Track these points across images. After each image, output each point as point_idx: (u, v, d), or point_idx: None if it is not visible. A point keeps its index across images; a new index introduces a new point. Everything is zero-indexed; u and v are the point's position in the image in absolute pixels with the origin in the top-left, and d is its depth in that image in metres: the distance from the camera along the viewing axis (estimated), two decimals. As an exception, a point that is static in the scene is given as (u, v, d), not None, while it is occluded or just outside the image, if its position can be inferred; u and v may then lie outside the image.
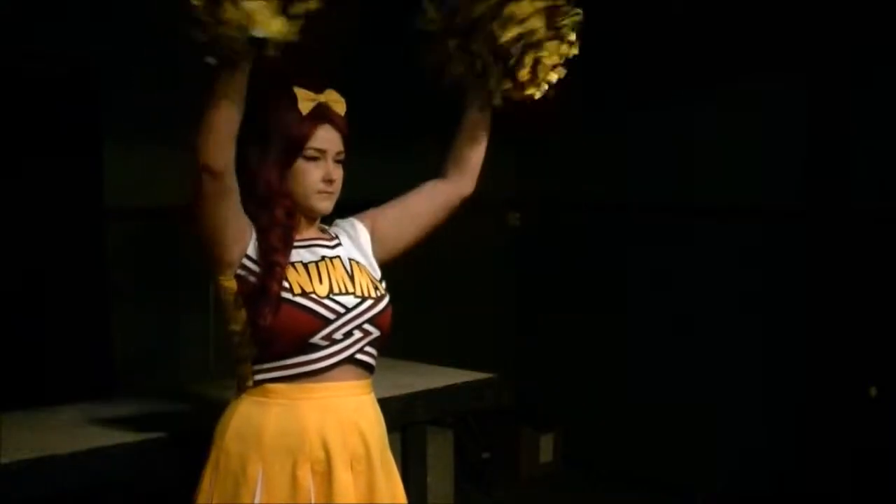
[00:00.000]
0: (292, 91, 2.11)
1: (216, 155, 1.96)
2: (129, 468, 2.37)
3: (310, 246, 2.16)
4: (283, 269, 2.06)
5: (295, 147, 2.10)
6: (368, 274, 2.21)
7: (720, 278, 4.78)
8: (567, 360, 5.41)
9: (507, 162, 5.56)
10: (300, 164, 2.11)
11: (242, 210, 2.07)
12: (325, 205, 2.16)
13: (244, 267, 2.07)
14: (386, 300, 2.18)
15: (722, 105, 4.75)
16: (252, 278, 2.06)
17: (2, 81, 3.79)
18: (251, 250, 2.08)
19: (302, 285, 2.07)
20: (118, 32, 4.03)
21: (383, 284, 2.24)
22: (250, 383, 2.10)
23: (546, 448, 5.31)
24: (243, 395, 2.12)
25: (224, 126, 1.96)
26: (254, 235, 2.09)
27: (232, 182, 2.01)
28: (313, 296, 2.07)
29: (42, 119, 3.96)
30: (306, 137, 2.10)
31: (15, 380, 3.51)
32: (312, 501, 2.05)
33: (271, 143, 2.10)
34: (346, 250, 2.21)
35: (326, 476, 2.06)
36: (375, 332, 2.15)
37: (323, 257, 2.15)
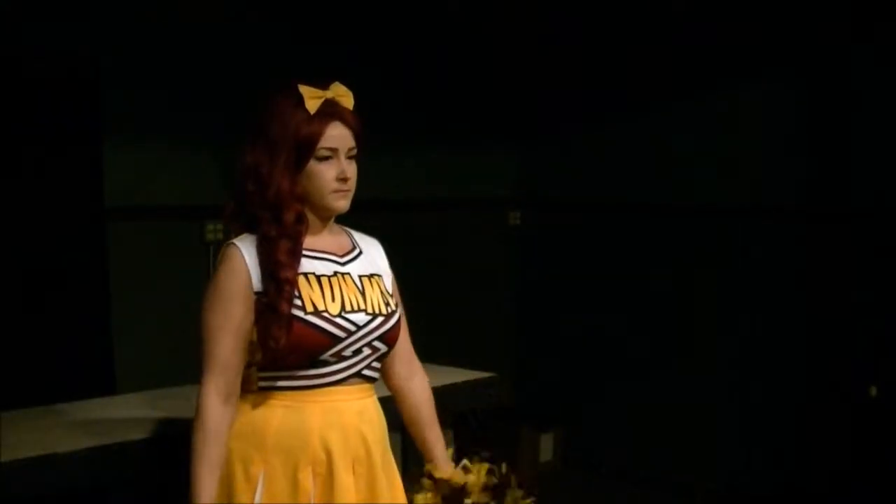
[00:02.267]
0: (297, 90, 2.05)
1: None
2: (128, 468, 2.37)
3: (322, 259, 2.11)
4: (294, 286, 2.02)
5: (306, 149, 2.04)
6: (381, 287, 2.17)
7: (720, 278, 4.78)
8: (567, 360, 5.40)
9: (507, 162, 5.56)
10: (312, 165, 2.05)
11: (245, 325, 2.04)
12: (342, 203, 2.10)
13: (257, 294, 2.04)
14: (396, 316, 2.16)
15: (722, 105, 4.75)
16: (263, 298, 2.02)
17: (2, 81, 3.79)
18: (256, 284, 2.03)
19: (315, 302, 2.04)
20: (118, 32, 4.04)
21: (394, 299, 2.20)
22: (254, 387, 2.09)
23: (546, 448, 5.31)
24: (247, 396, 2.10)
25: None
26: (254, 273, 2.04)
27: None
28: (325, 314, 2.04)
29: (42, 119, 3.96)
30: (316, 138, 2.04)
31: (15, 380, 3.51)
32: (313, 503, 2.05)
33: (281, 147, 2.03)
34: (359, 264, 2.17)
35: (328, 478, 2.06)
36: (383, 349, 2.14)
37: (335, 273, 2.11)
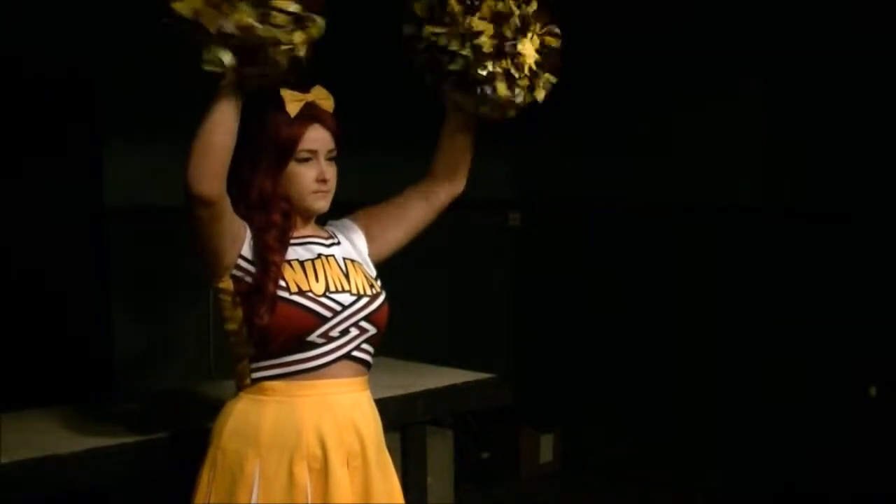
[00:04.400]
0: (278, 93, 2.09)
1: (212, 184, 1.94)
2: (129, 468, 2.37)
3: (306, 243, 2.16)
4: (280, 268, 2.06)
5: (286, 151, 2.09)
6: (364, 272, 2.21)
7: (720, 279, 4.78)
8: (567, 360, 5.40)
9: (506, 162, 5.55)
10: (293, 166, 2.10)
11: (235, 216, 2.06)
12: (322, 204, 2.16)
13: (239, 267, 2.07)
14: (381, 297, 2.19)
15: (722, 105, 4.75)
16: (248, 278, 2.06)
17: (2, 81, 3.79)
18: (246, 250, 2.08)
19: (298, 283, 2.08)
20: (118, 32, 4.03)
21: (379, 282, 2.24)
22: (248, 381, 2.11)
23: (546, 448, 5.31)
24: (240, 394, 2.13)
25: (222, 154, 1.95)
26: (248, 235, 2.08)
27: (226, 203, 2.00)
28: (310, 294, 2.07)
29: (42, 119, 3.96)
30: (296, 140, 2.09)
31: (15, 380, 3.51)
32: (309, 499, 2.06)
33: (261, 149, 2.08)
34: (341, 249, 2.22)
35: (323, 473, 2.07)
36: (372, 330, 2.16)
37: (319, 255, 2.16)
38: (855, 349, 4.34)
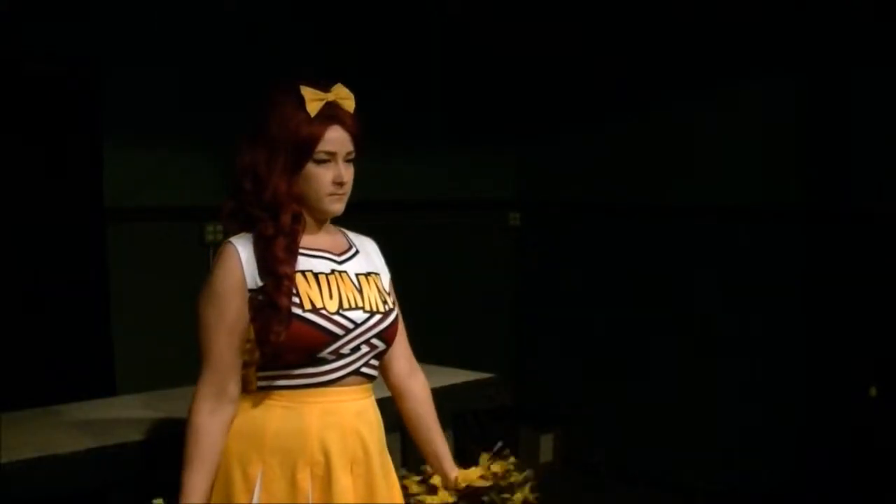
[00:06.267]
0: (299, 91, 2.05)
1: None
2: (129, 468, 2.37)
3: (319, 256, 2.12)
4: (292, 280, 2.02)
5: (304, 151, 2.04)
6: (378, 285, 2.18)
7: (720, 278, 4.78)
8: (567, 360, 5.41)
9: (507, 162, 5.56)
10: (310, 167, 2.05)
11: (232, 314, 2.03)
12: (337, 206, 2.11)
13: (251, 291, 2.05)
14: (393, 314, 2.17)
15: (722, 105, 4.75)
16: (260, 296, 2.02)
17: (2, 81, 3.79)
18: (251, 282, 2.04)
19: (312, 300, 2.04)
20: (118, 32, 4.04)
21: (391, 296, 2.21)
22: (253, 387, 2.09)
23: (546, 448, 5.31)
24: (246, 397, 2.10)
25: None
26: (250, 271, 2.04)
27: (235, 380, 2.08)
28: (323, 311, 2.04)
29: (42, 119, 3.96)
30: (315, 141, 2.04)
31: (15, 380, 3.51)
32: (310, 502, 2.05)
33: (279, 148, 2.03)
34: (355, 263, 2.17)
35: (326, 479, 2.06)
36: (381, 346, 2.14)
37: (333, 270, 2.12)
38: (855, 349, 4.34)
